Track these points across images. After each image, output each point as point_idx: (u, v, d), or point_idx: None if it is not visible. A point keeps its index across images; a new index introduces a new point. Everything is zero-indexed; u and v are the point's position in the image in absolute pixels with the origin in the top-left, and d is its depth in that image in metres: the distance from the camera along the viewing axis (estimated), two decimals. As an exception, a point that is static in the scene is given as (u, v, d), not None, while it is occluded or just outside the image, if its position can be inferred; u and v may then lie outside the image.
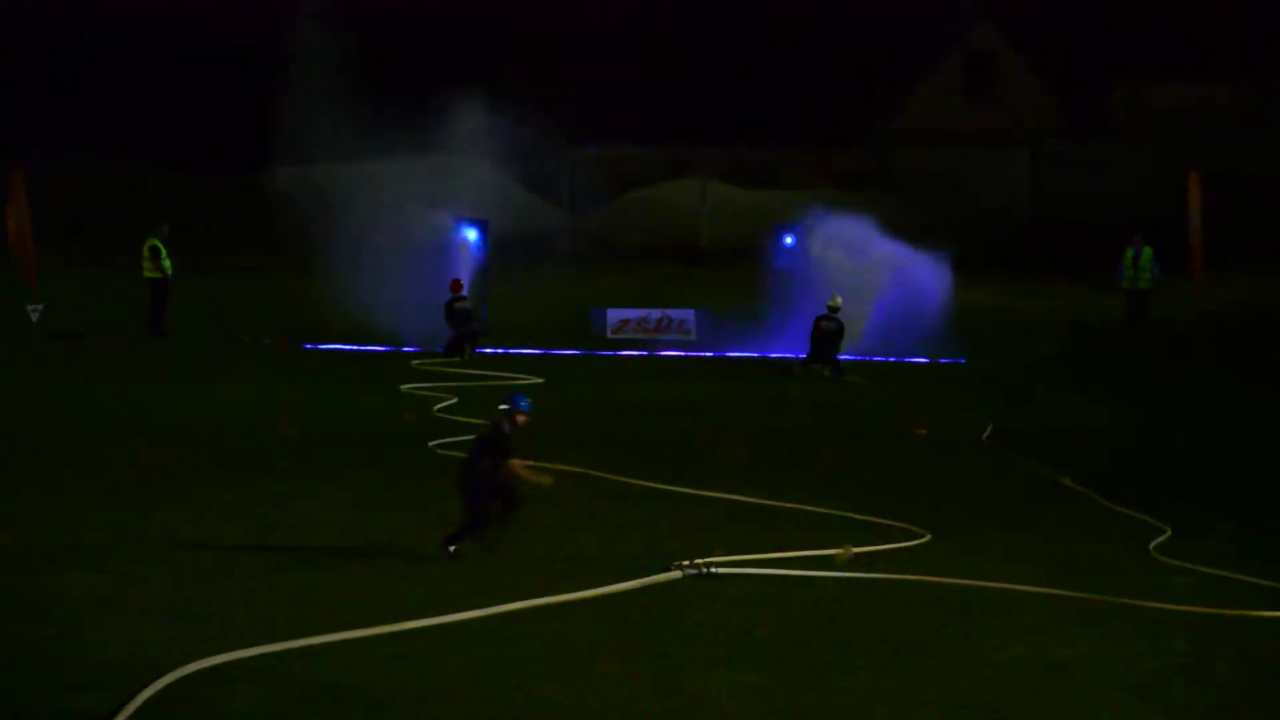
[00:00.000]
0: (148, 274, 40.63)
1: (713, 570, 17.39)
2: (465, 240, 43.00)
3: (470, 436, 26.51)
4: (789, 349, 40.31)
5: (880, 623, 15.96)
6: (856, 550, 18.69)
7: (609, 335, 44.14)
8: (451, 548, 18.02)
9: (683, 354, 41.90)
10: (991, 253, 65.79)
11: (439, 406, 29.90)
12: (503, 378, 34.97)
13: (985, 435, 28.66)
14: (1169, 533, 20.35)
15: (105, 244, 57.33)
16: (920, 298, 40.60)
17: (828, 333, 37.34)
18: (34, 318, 40.44)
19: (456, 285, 39.62)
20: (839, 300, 37.77)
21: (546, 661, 14.37)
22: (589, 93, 66.57)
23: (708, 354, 41.72)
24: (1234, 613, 16.59)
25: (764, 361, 40.42)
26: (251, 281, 55.27)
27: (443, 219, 43.41)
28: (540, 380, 34.75)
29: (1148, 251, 45.44)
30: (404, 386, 32.77)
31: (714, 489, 22.55)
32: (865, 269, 40.95)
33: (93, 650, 14.14)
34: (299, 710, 13.03)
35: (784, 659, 14.61)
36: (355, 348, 39.87)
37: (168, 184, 69.50)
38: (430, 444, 25.69)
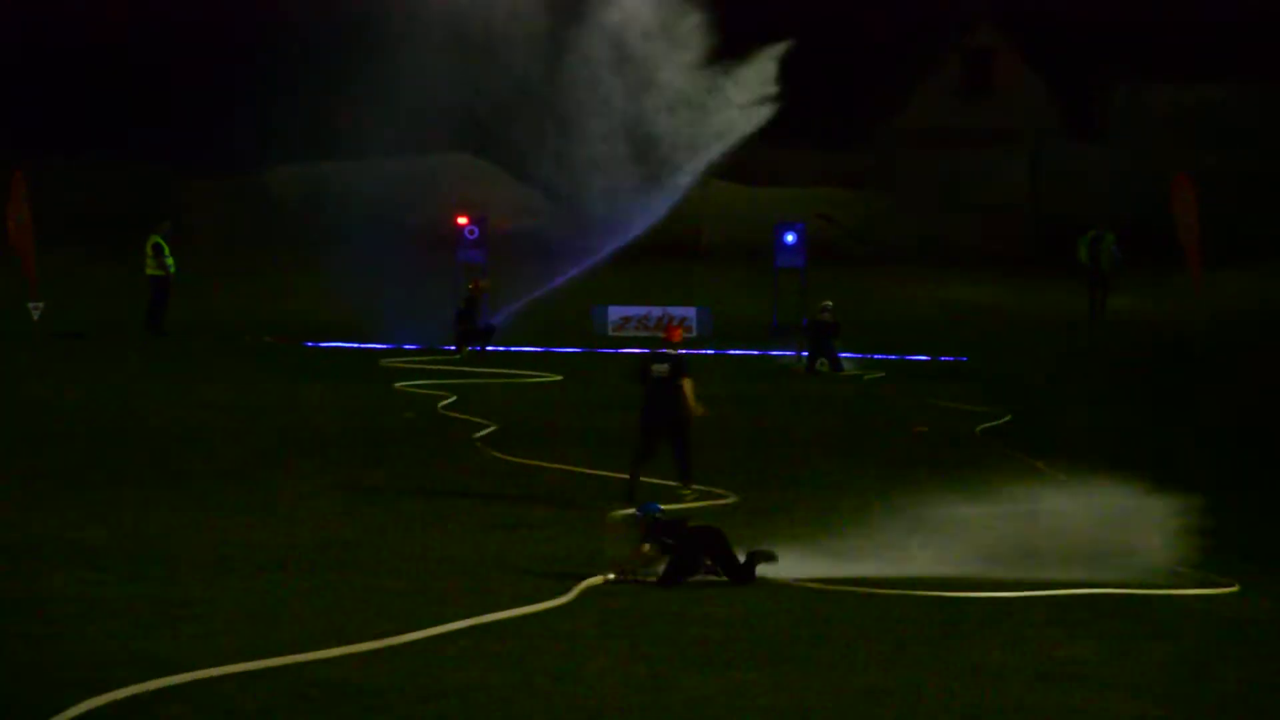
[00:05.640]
0: (150, 271, 40.69)
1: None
2: (471, 238, 43.06)
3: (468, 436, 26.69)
4: (790, 348, 40.32)
5: (880, 622, 15.96)
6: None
7: (610, 333, 44.15)
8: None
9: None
10: (990, 251, 65.75)
11: (443, 404, 29.99)
12: (501, 376, 35.00)
13: (979, 429, 28.76)
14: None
15: (105, 243, 57.30)
16: None
17: (823, 325, 37.63)
18: (35, 316, 40.45)
19: (471, 285, 40.00)
20: (829, 304, 38.15)
21: (545, 661, 14.36)
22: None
23: (709, 352, 41.70)
24: (1230, 598, 16.61)
25: (765, 360, 40.43)
26: (251, 280, 55.22)
27: (444, 217, 43.43)
28: (559, 377, 34.88)
29: (1109, 238, 46.50)
30: (398, 384, 32.85)
31: (716, 486, 22.55)
32: None
33: (93, 650, 14.13)
34: (299, 710, 13.01)
35: (784, 659, 14.61)
36: (356, 345, 39.87)
37: (168, 184, 69.40)
38: (428, 444, 25.78)
